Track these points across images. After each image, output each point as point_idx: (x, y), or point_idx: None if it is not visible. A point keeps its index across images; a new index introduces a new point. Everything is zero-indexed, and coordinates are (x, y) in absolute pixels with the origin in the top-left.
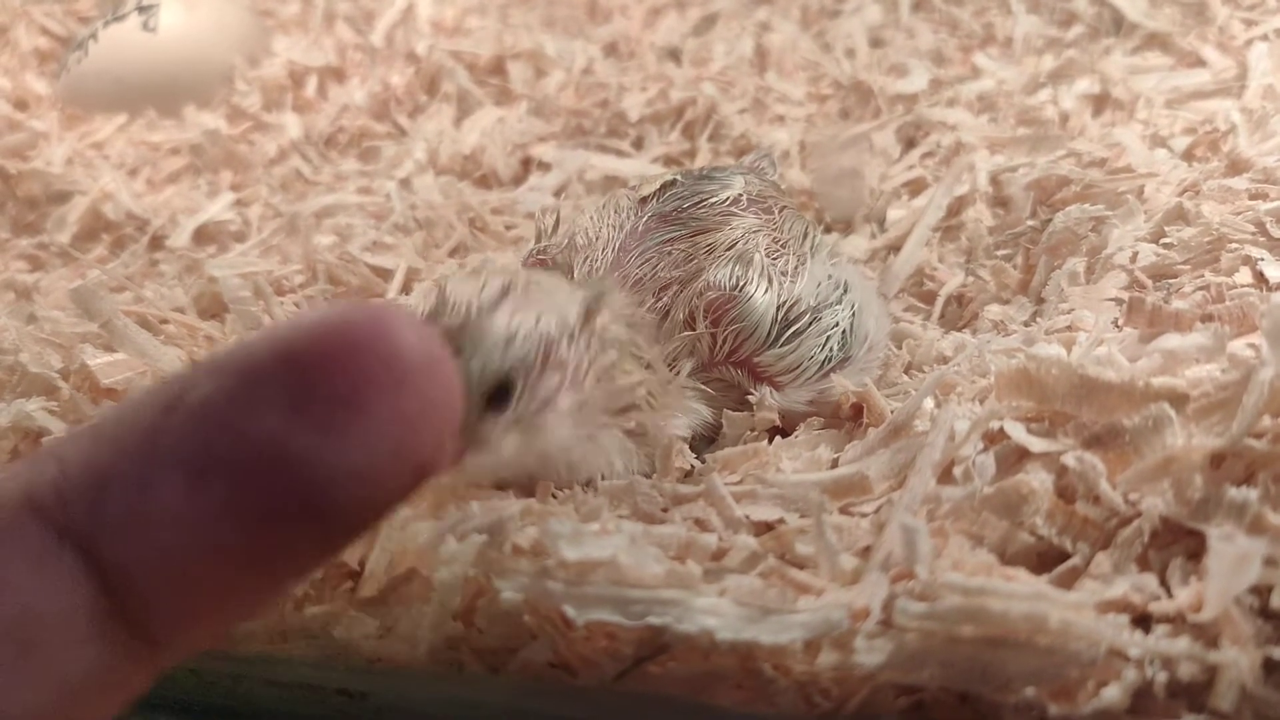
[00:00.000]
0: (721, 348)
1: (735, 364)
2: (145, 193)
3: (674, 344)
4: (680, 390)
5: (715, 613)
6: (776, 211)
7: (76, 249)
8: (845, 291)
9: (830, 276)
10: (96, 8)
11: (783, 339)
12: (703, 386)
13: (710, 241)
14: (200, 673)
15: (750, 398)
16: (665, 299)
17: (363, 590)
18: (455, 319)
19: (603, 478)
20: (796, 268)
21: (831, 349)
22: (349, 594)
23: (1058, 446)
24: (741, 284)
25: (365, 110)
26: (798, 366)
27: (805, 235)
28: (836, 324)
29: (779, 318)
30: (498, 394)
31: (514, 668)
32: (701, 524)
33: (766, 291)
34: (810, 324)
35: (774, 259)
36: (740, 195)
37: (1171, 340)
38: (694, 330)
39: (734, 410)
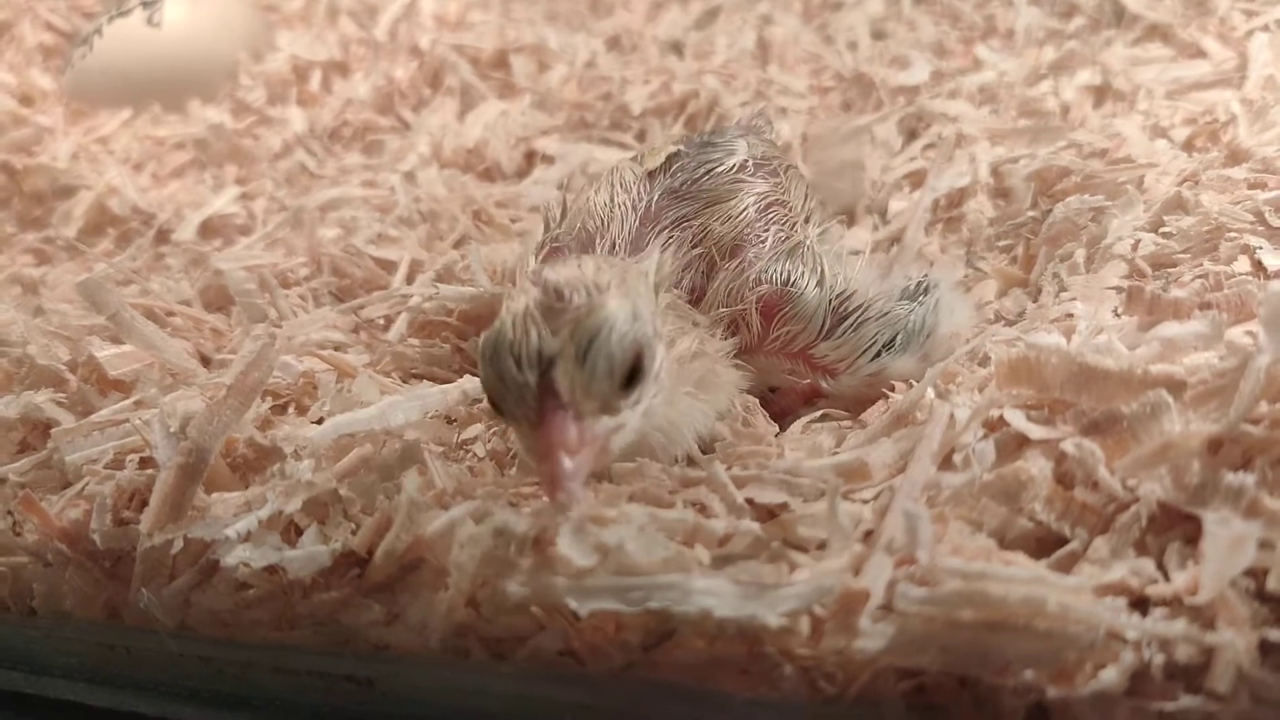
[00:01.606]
0: (773, 341)
1: (788, 355)
2: (150, 187)
3: (713, 322)
4: (729, 358)
5: (713, 593)
6: (782, 173)
7: (83, 243)
8: (926, 291)
9: (910, 274)
10: (101, 3)
11: (836, 331)
12: (742, 364)
13: (725, 211)
14: (210, 660)
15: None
16: (688, 278)
17: (370, 577)
18: (577, 309)
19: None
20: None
21: (892, 341)
22: (356, 581)
23: (1057, 433)
24: (793, 279)
25: (369, 104)
26: (851, 355)
27: (806, 196)
28: (902, 316)
29: (831, 311)
30: (630, 374)
31: (522, 656)
32: (705, 509)
33: (818, 286)
34: (865, 315)
35: (787, 226)
36: (746, 160)
37: (1170, 328)
38: (743, 317)
39: (770, 389)
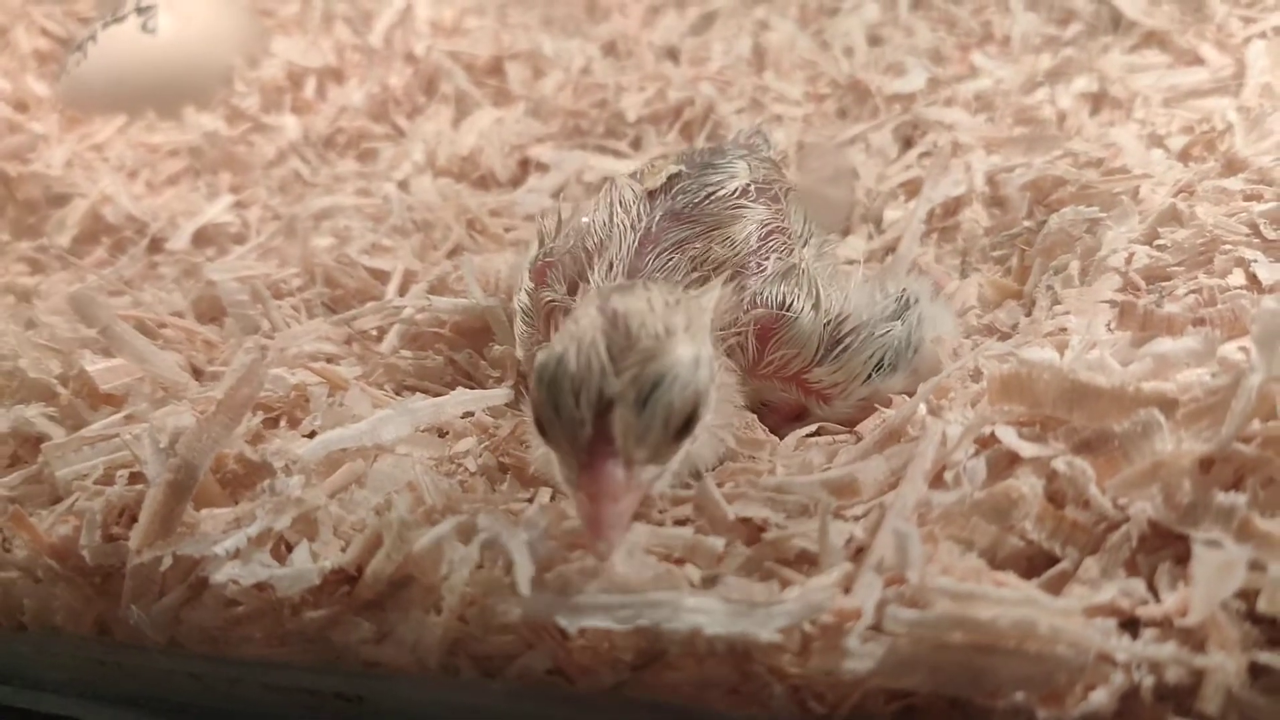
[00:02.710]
0: (768, 364)
1: (783, 379)
2: (144, 195)
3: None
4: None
5: (703, 610)
6: (783, 197)
7: (76, 252)
8: (907, 306)
9: (890, 292)
10: (95, 9)
11: (830, 356)
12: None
13: (726, 236)
14: (199, 677)
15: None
16: None
17: (359, 594)
18: (644, 350)
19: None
20: (837, 280)
21: (881, 362)
22: (345, 598)
23: (1048, 451)
24: (789, 303)
25: (363, 111)
26: (846, 380)
27: (805, 218)
28: (889, 336)
29: (826, 336)
30: (685, 423)
31: (512, 674)
32: (696, 526)
33: (813, 310)
34: (860, 340)
35: (787, 253)
36: (748, 185)
37: (1163, 344)
38: (739, 340)
39: (761, 403)
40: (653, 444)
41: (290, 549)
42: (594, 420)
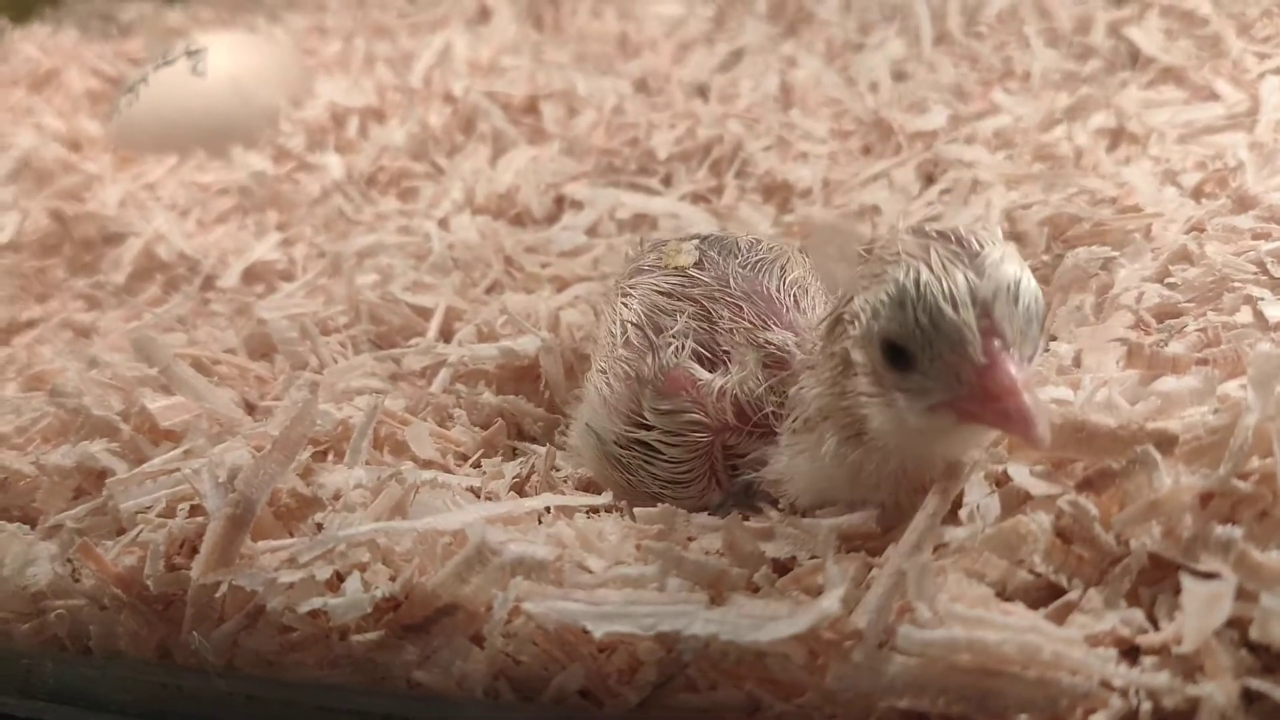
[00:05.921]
0: None
1: None
2: (196, 233)
3: None
4: None
5: (719, 621)
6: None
7: (131, 289)
8: None
9: None
10: (146, 49)
11: None
12: None
13: (788, 260)
14: (255, 698)
15: None
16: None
17: (403, 618)
18: (987, 253)
19: None
20: None
21: None
22: (391, 622)
23: (1057, 489)
24: None
25: (404, 150)
26: None
27: None
28: None
29: None
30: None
31: (547, 697)
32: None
33: None
34: None
35: None
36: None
37: (1167, 384)
38: None
39: None
40: (1031, 340)
41: (342, 578)
42: (978, 321)
